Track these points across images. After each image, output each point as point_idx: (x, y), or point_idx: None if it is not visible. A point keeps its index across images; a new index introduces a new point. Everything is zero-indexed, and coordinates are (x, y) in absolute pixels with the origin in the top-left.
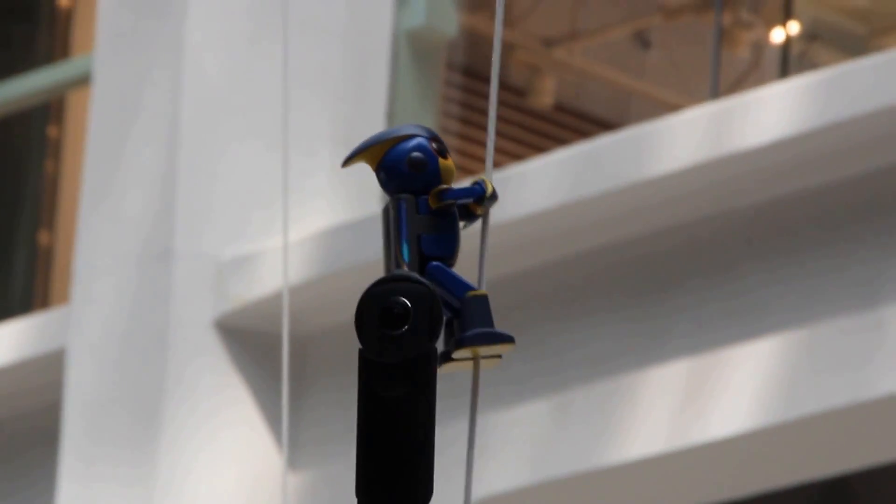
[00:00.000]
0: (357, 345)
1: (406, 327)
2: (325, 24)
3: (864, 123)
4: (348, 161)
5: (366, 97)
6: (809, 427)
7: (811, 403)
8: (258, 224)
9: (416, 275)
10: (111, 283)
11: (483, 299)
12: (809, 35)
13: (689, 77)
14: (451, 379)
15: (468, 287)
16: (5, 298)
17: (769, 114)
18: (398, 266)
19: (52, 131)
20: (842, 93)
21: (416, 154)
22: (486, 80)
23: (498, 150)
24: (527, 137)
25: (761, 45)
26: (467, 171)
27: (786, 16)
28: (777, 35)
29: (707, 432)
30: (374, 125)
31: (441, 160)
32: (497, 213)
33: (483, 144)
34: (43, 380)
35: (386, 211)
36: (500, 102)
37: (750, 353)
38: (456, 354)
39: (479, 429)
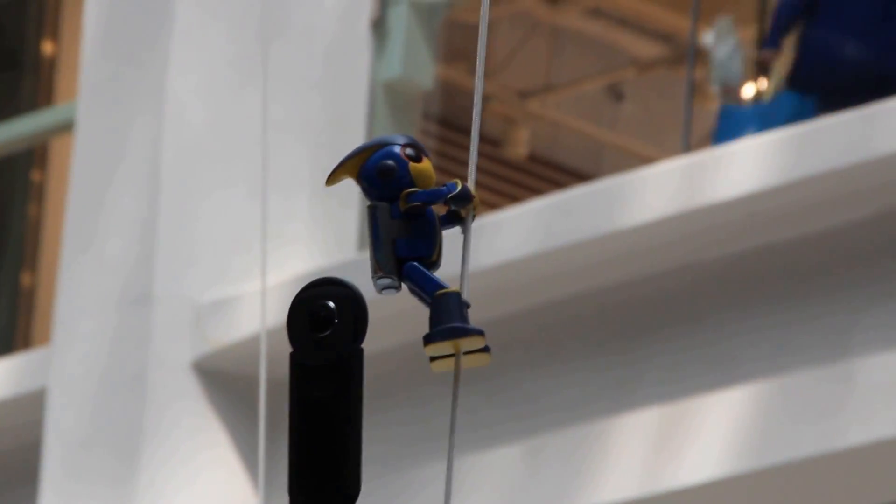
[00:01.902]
0: None
1: (330, 330)
2: (304, 75)
3: (835, 178)
4: (331, 178)
5: (343, 146)
6: (780, 476)
7: (782, 452)
8: (237, 268)
9: (343, 279)
10: (92, 325)
11: (452, 296)
12: (780, 90)
13: (662, 129)
14: (427, 422)
15: (440, 286)
16: None
17: (740, 167)
18: (376, 272)
19: (35, 176)
20: (813, 147)
21: (385, 162)
22: (462, 131)
23: None
24: (501, 187)
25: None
26: None
27: (757, 71)
28: (748, 90)
29: (678, 479)
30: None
31: (412, 164)
32: (471, 261)
33: None
34: (23, 419)
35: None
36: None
37: (721, 402)
38: (430, 351)
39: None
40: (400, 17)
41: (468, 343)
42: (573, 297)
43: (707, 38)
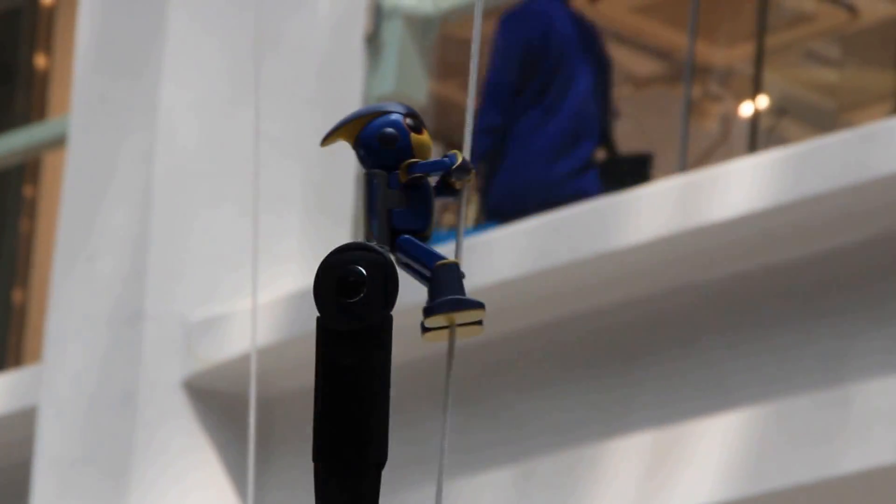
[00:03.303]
0: None
1: (361, 295)
2: (298, 90)
3: (832, 199)
4: (326, 139)
5: (336, 162)
6: (775, 502)
7: (776, 478)
8: (228, 286)
9: (373, 244)
10: (83, 343)
11: (452, 267)
12: (778, 109)
13: (658, 147)
14: (419, 444)
15: (439, 257)
16: None
17: (737, 188)
18: (368, 240)
19: (27, 191)
20: (810, 168)
21: (387, 130)
22: (453, 145)
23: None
24: None
25: (730, 119)
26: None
27: (755, 90)
28: (746, 108)
29: None
30: (344, 190)
31: (414, 135)
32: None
33: (450, 209)
34: (14, 437)
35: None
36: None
37: (715, 427)
38: (428, 322)
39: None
40: (394, 33)
41: (467, 315)
42: (566, 319)
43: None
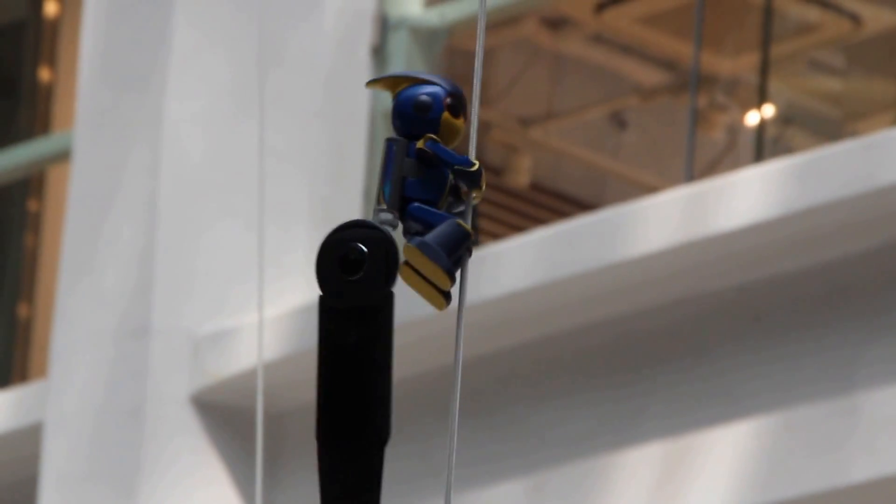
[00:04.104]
0: None
1: (362, 273)
2: (304, 103)
3: (839, 208)
4: (373, 82)
5: (343, 176)
6: None
7: (786, 487)
8: (236, 300)
9: (374, 221)
10: (89, 358)
11: (465, 233)
12: (784, 118)
13: (665, 158)
14: (428, 457)
15: (454, 218)
16: None
17: (744, 197)
18: (378, 203)
19: (32, 205)
20: (816, 177)
21: (424, 97)
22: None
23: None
24: (503, 216)
25: (736, 128)
26: None
27: (761, 99)
28: (752, 118)
29: None
30: (351, 204)
31: (448, 114)
32: (472, 292)
33: None
34: (20, 453)
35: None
36: None
37: (725, 436)
38: (407, 254)
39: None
40: (400, 44)
41: (436, 274)
42: (575, 330)
43: None
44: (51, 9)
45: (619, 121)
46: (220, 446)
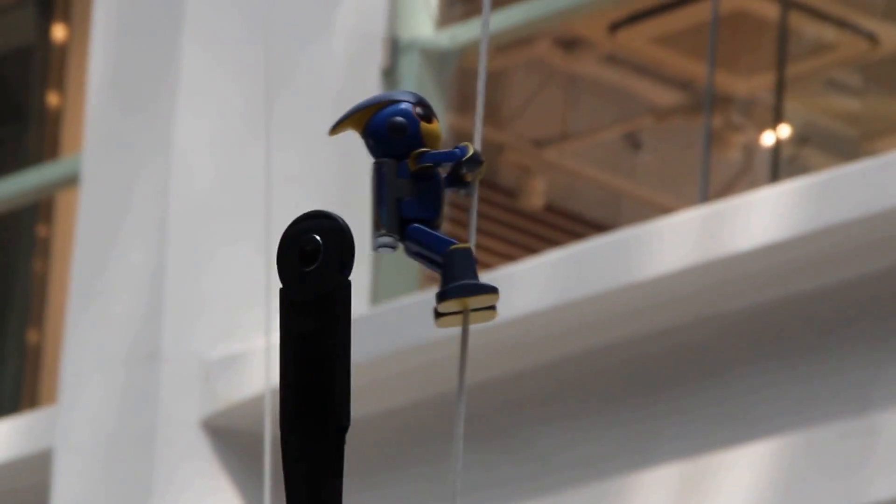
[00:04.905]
0: (347, 444)
1: (317, 262)
2: (314, 127)
3: (856, 228)
4: (334, 128)
5: (353, 199)
6: None
7: None
8: (245, 324)
9: (330, 211)
10: (99, 384)
11: (465, 252)
12: (801, 138)
13: (681, 178)
14: (442, 480)
15: (450, 242)
16: None
17: (759, 217)
18: (378, 229)
19: (41, 230)
20: (833, 197)
21: (396, 119)
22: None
23: (488, 250)
24: (517, 238)
25: (752, 148)
26: None
27: (776, 119)
28: (768, 138)
29: None
30: (362, 227)
31: (424, 124)
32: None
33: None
34: (30, 480)
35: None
36: (491, 203)
37: (742, 458)
38: (442, 308)
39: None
40: (411, 66)
41: (481, 300)
42: (589, 352)
43: None
44: (59, 33)
45: (633, 142)
46: (231, 470)
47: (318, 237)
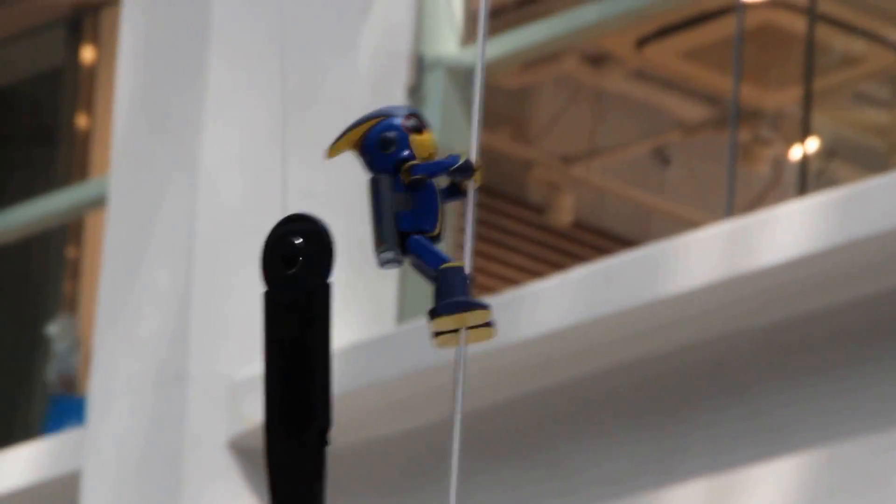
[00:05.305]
0: (374, 463)
1: (299, 265)
2: None
3: (883, 241)
4: (331, 150)
5: None
6: None
7: None
8: None
9: (312, 214)
10: (126, 405)
11: (456, 270)
12: (829, 151)
13: (710, 193)
14: (470, 499)
15: (444, 260)
16: (26, 419)
17: (786, 232)
18: (379, 245)
19: (70, 252)
20: (860, 210)
21: (386, 134)
22: (505, 197)
23: (518, 267)
24: (546, 255)
25: (781, 162)
26: (488, 289)
27: (804, 132)
28: (797, 152)
29: None
30: None
31: (414, 136)
32: (513, 332)
33: (503, 262)
34: (58, 502)
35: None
36: (519, 220)
37: (768, 473)
38: (436, 326)
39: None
40: (436, 84)
41: (474, 317)
42: (617, 368)
43: (50, 329)
44: (87, 55)
45: (662, 157)
46: (258, 490)
47: (300, 239)
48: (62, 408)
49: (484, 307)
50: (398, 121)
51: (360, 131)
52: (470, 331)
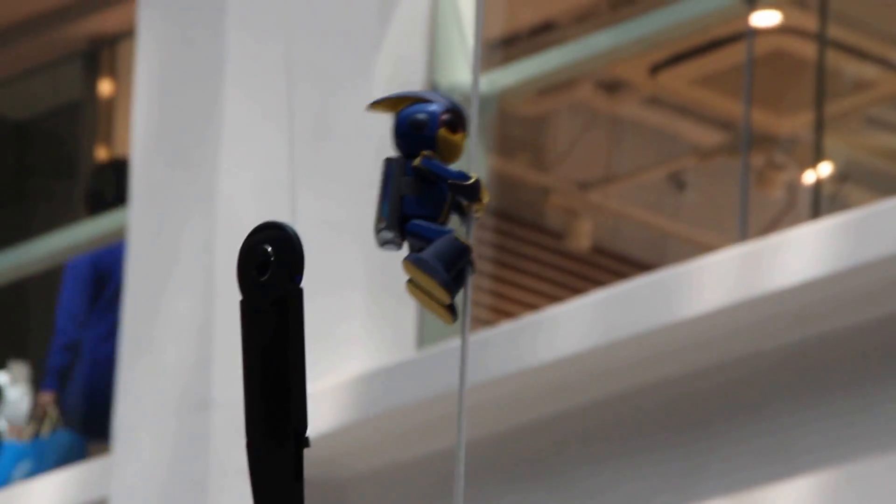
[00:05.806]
0: (396, 487)
1: (270, 271)
2: (357, 173)
3: (894, 264)
4: (373, 105)
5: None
6: None
7: None
8: None
9: (283, 222)
10: (151, 433)
11: (459, 244)
12: (842, 176)
13: (725, 217)
14: None
15: (450, 231)
16: None
17: (799, 255)
18: (379, 222)
19: None
20: (872, 233)
21: (418, 115)
22: (520, 223)
23: (536, 292)
24: (565, 280)
25: (795, 187)
26: (502, 313)
27: (817, 157)
28: (810, 176)
29: None
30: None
31: (444, 130)
32: (532, 356)
33: (522, 287)
34: None
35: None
36: (538, 245)
37: (786, 493)
38: (407, 269)
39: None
40: None
41: (434, 289)
42: (634, 391)
43: (1, 377)
44: (105, 88)
45: (677, 182)
46: None
47: (268, 247)
48: (8, 452)
49: (447, 288)
50: (437, 109)
51: (403, 102)
52: (434, 305)
